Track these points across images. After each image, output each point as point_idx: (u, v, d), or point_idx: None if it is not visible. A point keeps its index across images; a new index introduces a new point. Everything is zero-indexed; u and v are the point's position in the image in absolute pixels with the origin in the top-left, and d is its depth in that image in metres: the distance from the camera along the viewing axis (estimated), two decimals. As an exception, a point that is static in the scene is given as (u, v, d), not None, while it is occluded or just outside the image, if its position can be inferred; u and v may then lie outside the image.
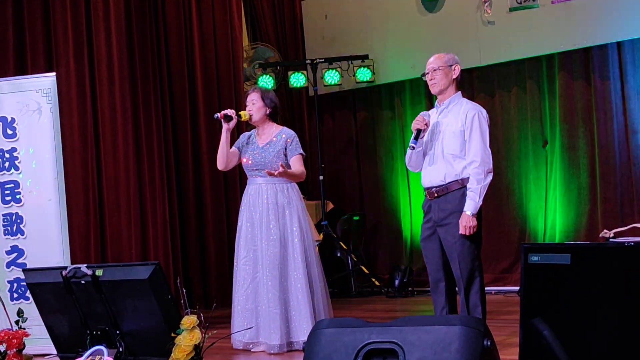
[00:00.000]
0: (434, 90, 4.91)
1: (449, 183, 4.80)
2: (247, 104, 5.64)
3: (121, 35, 7.32)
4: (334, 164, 9.18)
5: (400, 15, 8.48)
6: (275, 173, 5.33)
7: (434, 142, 4.87)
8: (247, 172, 5.65)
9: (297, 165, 5.50)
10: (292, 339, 5.38)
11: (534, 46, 7.62)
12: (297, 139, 5.60)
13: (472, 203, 4.70)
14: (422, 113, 4.89)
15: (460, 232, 4.71)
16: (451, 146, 4.79)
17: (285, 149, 5.53)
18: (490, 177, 4.79)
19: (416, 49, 8.23)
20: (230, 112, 5.54)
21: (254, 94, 5.62)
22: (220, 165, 5.65)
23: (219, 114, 5.55)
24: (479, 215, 4.77)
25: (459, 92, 4.93)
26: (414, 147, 4.83)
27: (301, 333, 5.30)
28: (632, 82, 7.24)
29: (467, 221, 4.70)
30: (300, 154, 5.54)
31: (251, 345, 5.47)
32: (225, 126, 5.52)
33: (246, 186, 5.66)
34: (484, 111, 4.86)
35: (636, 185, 7.22)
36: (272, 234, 5.42)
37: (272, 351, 5.33)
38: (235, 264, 5.60)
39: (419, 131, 4.82)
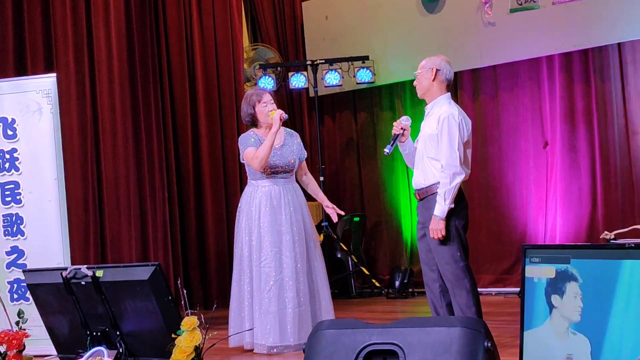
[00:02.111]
0: (417, 94, 5.00)
1: (428, 186, 4.84)
2: (264, 103, 5.56)
3: (121, 36, 7.32)
4: (334, 165, 9.18)
5: (401, 17, 8.48)
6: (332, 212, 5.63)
7: (419, 145, 4.94)
8: (266, 174, 5.55)
9: (307, 169, 5.79)
10: None
11: (534, 47, 7.61)
12: None
13: (439, 207, 4.72)
14: (401, 118, 4.98)
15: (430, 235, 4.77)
16: (428, 149, 4.85)
17: (300, 150, 5.69)
18: (458, 180, 4.74)
19: (417, 50, 8.21)
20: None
21: (268, 95, 5.65)
22: (261, 165, 5.48)
23: (283, 115, 5.49)
24: (459, 216, 4.77)
25: (446, 94, 4.90)
26: (387, 153, 4.89)
27: None
28: (632, 83, 7.23)
29: (433, 224, 4.73)
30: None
31: (275, 349, 5.38)
32: (276, 127, 5.45)
33: (258, 187, 5.58)
34: (456, 113, 4.83)
35: (637, 186, 7.21)
36: (300, 235, 5.51)
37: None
38: (246, 267, 5.51)
39: (396, 136, 4.89)
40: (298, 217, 5.53)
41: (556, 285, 3.25)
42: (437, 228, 4.71)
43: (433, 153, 4.82)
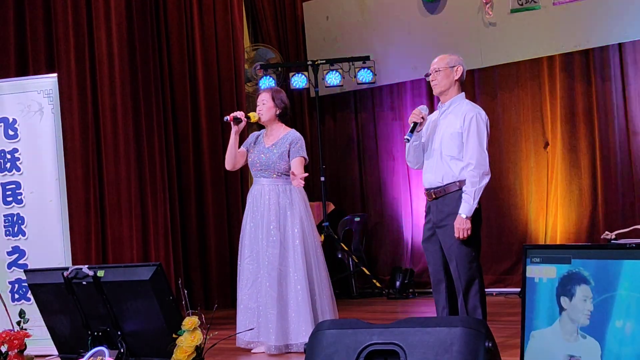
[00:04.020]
0: (435, 91, 4.93)
1: (446, 185, 4.80)
2: (257, 103, 5.64)
3: (122, 36, 7.32)
4: (335, 165, 9.18)
5: (402, 17, 8.49)
6: (294, 183, 5.35)
7: (433, 143, 4.88)
8: (252, 172, 5.66)
9: (297, 168, 5.46)
10: (290, 340, 5.37)
11: (535, 47, 7.62)
12: (303, 143, 5.57)
13: (467, 206, 4.69)
14: (419, 107, 4.88)
15: (455, 234, 4.72)
16: (449, 148, 4.79)
17: (289, 151, 5.52)
18: (486, 180, 4.76)
19: (417, 50, 8.23)
20: (239, 114, 5.54)
21: (265, 94, 5.62)
22: (228, 165, 5.67)
23: (228, 117, 5.54)
24: (477, 217, 4.76)
25: (462, 93, 4.92)
26: (408, 140, 4.84)
27: (300, 335, 5.31)
28: (633, 83, 7.24)
29: (460, 223, 4.69)
30: (302, 157, 5.52)
31: (252, 345, 5.49)
32: (234, 128, 5.53)
33: (251, 186, 5.67)
34: (483, 113, 4.84)
35: (637, 186, 7.22)
36: (272, 236, 5.43)
37: (269, 352, 5.34)
38: (239, 263, 5.60)
39: (415, 124, 4.81)
40: (272, 218, 5.44)
41: (565, 287, 3.24)
42: (464, 227, 4.67)
43: (455, 152, 4.77)
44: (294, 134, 5.60)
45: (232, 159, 5.61)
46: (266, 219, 5.46)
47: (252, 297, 5.46)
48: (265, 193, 5.51)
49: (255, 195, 5.56)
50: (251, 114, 5.59)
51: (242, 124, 5.55)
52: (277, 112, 5.58)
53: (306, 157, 5.56)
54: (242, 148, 5.70)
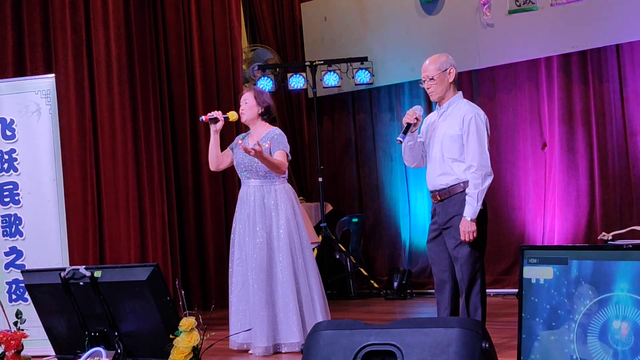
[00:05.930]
0: (432, 98, 4.91)
1: (450, 187, 4.79)
2: (240, 103, 5.65)
3: (120, 37, 7.32)
4: (333, 166, 9.18)
5: (400, 18, 8.49)
6: (250, 151, 5.22)
7: (434, 145, 4.87)
8: (238, 174, 5.64)
9: (278, 157, 5.43)
10: (279, 341, 5.37)
11: (532, 49, 7.62)
12: (283, 138, 5.52)
13: (471, 208, 4.69)
14: (414, 107, 4.85)
15: (460, 237, 4.71)
16: (450, 150, 4.78)
17: (270, 148, 5.45)
18: (489, 181, 4.77)
19: (415, 51, 8.23)
20: (216, 114, 5.53)
21: (247, 94, 5.63)
22: (212, 166, 5.69)
23: (203, 117, 5.54)
24: (483, 218, 4.75)
25: (459, 92, 4.90)
26: (401, 142, 4.82)
27: (289, 335, 5.31)
28: (630, 84, 7.24)
29: (465, 226, 4.68)
30: (283, 150, 5.45)
31: (245, 346, 5.49)
32: (212, 128, 5.54)
33: (240, 188, 5.67)
34: (482, 113, 4.83)
35: (635, 187, 7.22)
36: (258, 237, 5.42)
37: (257, 353, 5.34)
38: (230, 265, 5.61)
39: (408, 125, 4.79)
40: (257, 220, 5.43)
41: (565, 288, 3.24)
42: (469, 230, 4.67)
43: (457, 154, 4.76)
44: (274, 131, 5.55)
45: (214, 159, 5.62)
46: (252, 220, 5.46)
47: (242, 300, 5.47)
48: (250, 194, 5.51)
49: (242, 197, 5.56)
50: (230, 114, 5.58)
51: (220, 124, 5.54)
52: (260, 112, 5.56)
53: (287, 151, 5.49)
54: (227, 149, 5.68)
